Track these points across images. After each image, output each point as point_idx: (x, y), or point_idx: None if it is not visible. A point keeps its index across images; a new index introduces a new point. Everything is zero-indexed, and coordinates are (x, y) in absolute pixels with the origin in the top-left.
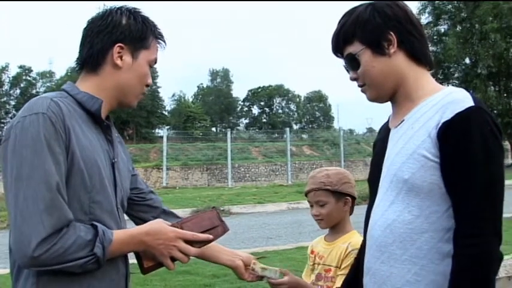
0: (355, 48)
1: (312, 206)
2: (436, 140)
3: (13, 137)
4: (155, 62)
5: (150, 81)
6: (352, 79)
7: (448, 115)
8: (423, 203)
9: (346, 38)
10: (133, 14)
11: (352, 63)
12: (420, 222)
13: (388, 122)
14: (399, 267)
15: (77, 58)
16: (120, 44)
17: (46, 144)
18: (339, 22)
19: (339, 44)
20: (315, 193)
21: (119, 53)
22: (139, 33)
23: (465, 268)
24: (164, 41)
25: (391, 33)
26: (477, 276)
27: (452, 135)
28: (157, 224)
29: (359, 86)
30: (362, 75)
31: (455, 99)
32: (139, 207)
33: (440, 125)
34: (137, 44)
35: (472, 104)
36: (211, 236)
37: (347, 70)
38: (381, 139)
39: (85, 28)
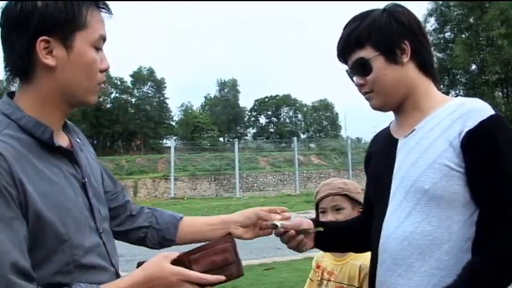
0: (367, 53)
1: (323, 212)
2: (459, 149)
3: None
4: (104, 39)
5: (104, 65)
6: (358, 85)
7: (471, 124)
8: (444, 213)
9: (359, 41)
10: None
11: (362, 69)
12: (440, 232)
13: (386, 131)
14: (418, 280)
15: (5, 66)
16: (43, 37)
17: None
18: (349, 25)
19: (350, 47)
20: (333, 198)
21: (45, 48)
22: (64, 13)
23: (489, 263)
24: (106, 6)
25: (406, 42)
26: (502, 271)
27: (478, 144)
28: (156, 267)
29: (364, 92)
30: (372, 82)
31: (476, 107)
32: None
33: (464, 134)
34: (66, 27)
35: (493, 112)
36: (222, 277)
37: (351, 75)
38: (381, 149)
39: (0, 24)
